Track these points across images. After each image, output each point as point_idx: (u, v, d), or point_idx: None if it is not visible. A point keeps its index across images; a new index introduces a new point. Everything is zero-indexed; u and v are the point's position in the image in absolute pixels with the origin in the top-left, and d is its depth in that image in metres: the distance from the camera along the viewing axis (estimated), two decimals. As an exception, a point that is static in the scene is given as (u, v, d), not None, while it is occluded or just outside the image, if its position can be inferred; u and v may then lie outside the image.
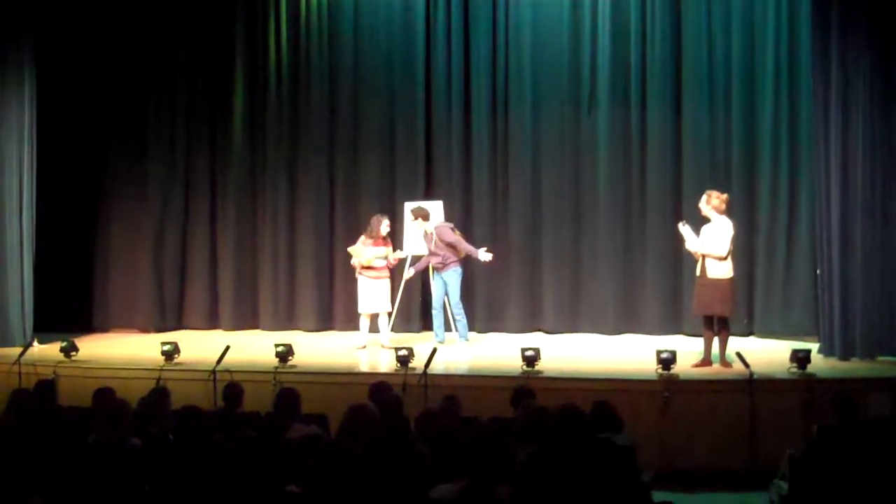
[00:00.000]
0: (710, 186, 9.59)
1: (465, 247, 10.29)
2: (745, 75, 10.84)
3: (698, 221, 8.95)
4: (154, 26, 12.26)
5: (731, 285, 8.75)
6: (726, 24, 10.92)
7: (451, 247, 10.25)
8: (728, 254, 8.67)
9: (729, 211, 8.90)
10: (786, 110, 10.68)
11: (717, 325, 8.79)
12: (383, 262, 10.37)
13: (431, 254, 10.38)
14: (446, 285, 10.31)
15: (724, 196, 8.87)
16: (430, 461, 4.96)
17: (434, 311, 10.50)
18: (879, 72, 9.22)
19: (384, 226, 10.38)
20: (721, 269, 8.65)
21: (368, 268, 10.30)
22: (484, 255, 10.18)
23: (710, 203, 8.78)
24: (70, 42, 12.13)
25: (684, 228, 8.91)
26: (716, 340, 8.78)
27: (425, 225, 10.35)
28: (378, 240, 10.34)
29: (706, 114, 10.99)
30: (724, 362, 8.66)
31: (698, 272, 8.81)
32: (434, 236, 10.29)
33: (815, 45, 9.58)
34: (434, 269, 10.42)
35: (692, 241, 8.83)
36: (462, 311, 10.34)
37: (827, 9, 9.35)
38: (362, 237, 10.40)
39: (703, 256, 8.71)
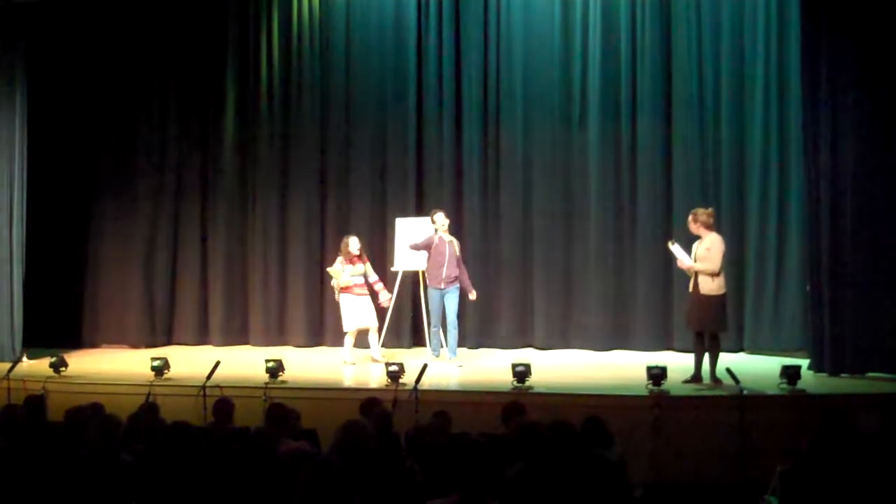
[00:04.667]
0: (700, 201, 9.69)
1: (464, 278, 10.32)
2: (734, 91, 10.89)
3: (688, 237, 8.99)
4: (145, 43, 12.31)
5: (722, 301, 8.78)
6: (716, 40, 10.97)
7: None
8: (720, 269, 8.70)
9: (717, 225, 8.94)
10: (775, 125, 10.72)
11: (708, 341, 8.80)
12: (361, 280, 10.42)
13: (441, 265, 10.14)
14: (448, 301, 10.20)
15: (710, 210, 8.92)
16: (421, 477, 4.95)
17: (433, 328, 10.42)
18: (868, 86, 9.25)
19: (353, 244, 10.39)
20: (713, 285, 8.67)
21: (347, 288, 10.35)
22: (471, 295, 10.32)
23: (698, 220, 8.81)
24: (62, 57, 12.16)
25: (674, 247, 8.94)
26: (706, 356, 8.80)
27: (447, 235, 10.22)
28: (353, 258, 10.36)
29: (696, 130, 11.03)
30: (715, 378, 8.66)
31: (691, 288, 8.83)
32: (456, 249, 10.24)
33: (804, 60, 9.64)
34: (441, 282, 10.18)
35: (683, 258, 8.85)
36: (457, 328, 10.34)
37: (816, 26, 9.40)
38: (339, 259, 10.43)
39: (696, 272, 8.74)
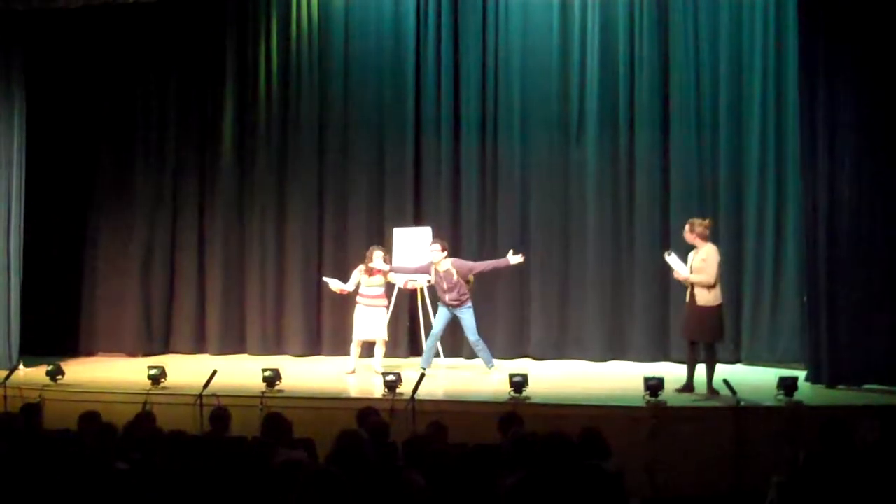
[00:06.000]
0: (698, 212, 9.67)
1: (490, 264, 10.28)
2: (732, 101, 10.88)
3: (685, 247, 8.99)
4: (144, 49, 12.32)
5: (719, 312, 8.78)
6: (714, 51, 10.98)
7: (467, 282, 10.19)
8: (716, 280, 8.71)
9: (714, 236, 8.95)
10: (773, 136, 10.71)
11: (704, 352, 8.80)
12: (379, 290, 10.40)
13: (443, 290, 10.15)
14: (462, 322, 10.20)
15: (707, 222, 8.92)
16: (418, 488, 4.94)
17: (429, 341, 10.44)
18: (867, 98, 9.25)
19: (376, 260, 10.34)
20: (710, 296, 8.67)
21: (364, 295, 10.36)
22: (514, 259, 10.15)
23: (695, 231, 8.82)
24: (59, 65, 12.17)
25: (671, 258, 8.94)
26: (702, 367, 8.79)
27: (442, 261, 10.13)
28: (374, 270, 10.35)
29: (694, 140, 11.03)
30: (711, 389, 8.65)
31: (687, 298, 8.83)
32: (454, 274, 10.13)
33: (801, 70, 9.64)
34: (448, 305, 10.20)
35: (680, 269, 8.85)
36: (482, 342, 10.27)
37: (814, 35, 9.40)
38: (360, 266, 10.42)
39: (693, 283, 8.74)
